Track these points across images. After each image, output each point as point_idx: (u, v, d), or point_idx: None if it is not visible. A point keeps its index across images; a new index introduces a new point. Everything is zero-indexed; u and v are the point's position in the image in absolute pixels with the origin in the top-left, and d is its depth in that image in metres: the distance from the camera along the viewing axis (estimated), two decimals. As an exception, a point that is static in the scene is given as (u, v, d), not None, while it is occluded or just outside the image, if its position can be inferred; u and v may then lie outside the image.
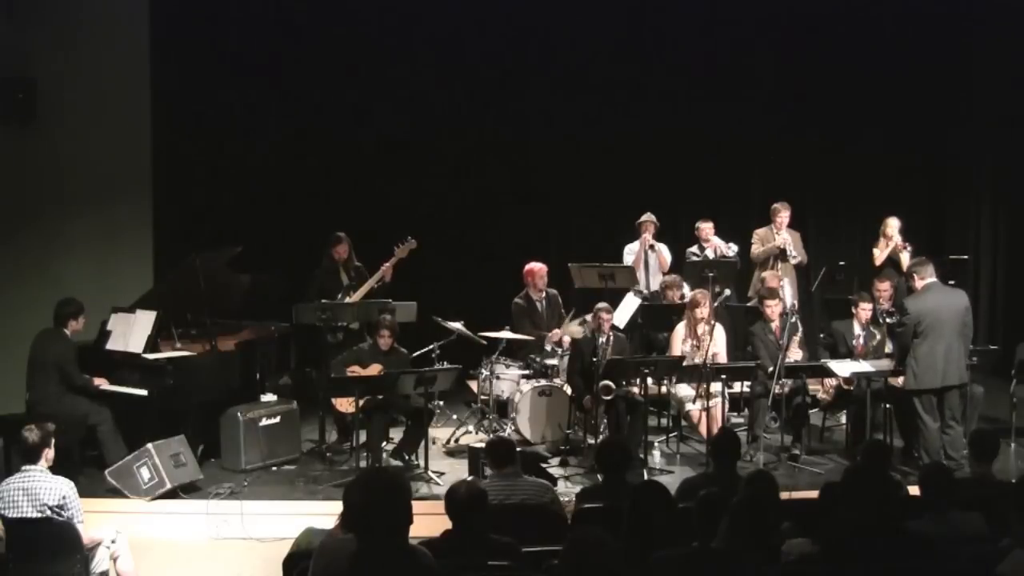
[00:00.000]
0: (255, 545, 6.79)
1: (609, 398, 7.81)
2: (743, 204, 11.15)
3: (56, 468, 5.70)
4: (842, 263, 10.16)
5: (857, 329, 8.27)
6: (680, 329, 8.40)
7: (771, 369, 7.74)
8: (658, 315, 8.91)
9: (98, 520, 6.32)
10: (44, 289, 8.70)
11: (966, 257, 10.71)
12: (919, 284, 7.43)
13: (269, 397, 8.29)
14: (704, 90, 11.20)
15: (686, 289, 9.01)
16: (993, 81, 11.19)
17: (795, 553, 4.28)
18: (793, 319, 8.12)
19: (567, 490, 7.03)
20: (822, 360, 8.21)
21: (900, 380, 7.74)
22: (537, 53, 11.08)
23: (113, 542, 5.79)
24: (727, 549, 3.70)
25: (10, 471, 5.97)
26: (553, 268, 9.31)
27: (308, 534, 5.16)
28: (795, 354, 7.97)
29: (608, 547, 3.27)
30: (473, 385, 9.14)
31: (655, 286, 9.59)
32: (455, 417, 9.07)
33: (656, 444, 8.38)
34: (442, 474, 7.55)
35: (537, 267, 9.18)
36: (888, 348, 8.18)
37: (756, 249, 9.59)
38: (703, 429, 8.01)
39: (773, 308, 8.18)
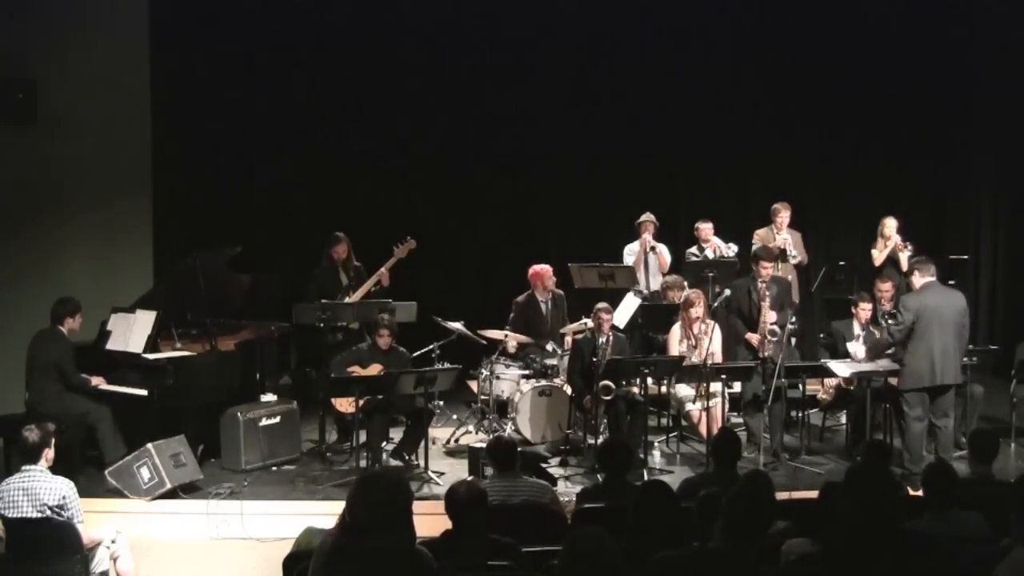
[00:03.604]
0: (255, 545, 6.79)
1: (609, 398, 7.81)
2: (743, 204, 11.15)
3: (56, 468, 5.71)
4: (842, 263, 10.17)
5: (857, 329, 8.26)
6: (676, 330, 8.39)
7: (743, 329, 7.81)
8: (658, 315, 8.91)
9: (98, 520, 6.32)
10: (44, 289, 8.70)
11: (966, 257, 10.71)
12: (918, 282, 7.37)
13: (269, 397, 8.29)
14: (704, 91, 11.19)
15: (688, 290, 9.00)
16: (994, 81, 11.19)
17: (795, 553, 4.28)
18: (793, 319, 8.10)
19: (567, 490, 7.03)
20: (822, 360, 8.20)
21: (859, 350, 7.74)
22: (538, 55, 11.08)
23: (113, 542, 5.79)
24: (726, 549, 3.70)
25: (10, 471, 5.97)
26: (553, 268, 9.31)
27: (308, 534, 5.16)
28: (769, 317, 7.80)
29: (608, 547, 3.26)
30: (473, 385, 9.13)
31: (655, 286, 9.59)
32: (455, 417, 9.07)
33: (656, 444, 8.39)
34: (442, 474, 7.55)
35: (543, 269, 9.17)
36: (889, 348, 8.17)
37: (758, 248, 9.58)
38: (703, 429, 8.01)
39: (766, 269, 7.97)
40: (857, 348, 7.88)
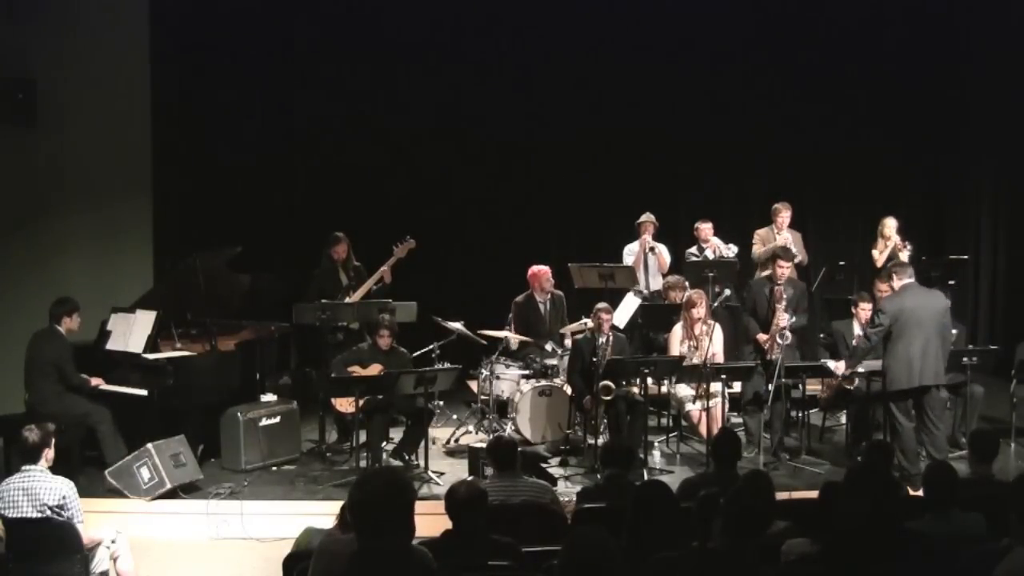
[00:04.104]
0: (255, 545, 6.79)
1: (609, 398, 7.81)
2: (743, 204, 11.15)
3: (56, 468, 5.71)
4: (842, 263, 10.17)
5: (857, 329, 8.25)
6: (677, 330, 8.38)
7: (756, 329, 7.80)
8: (658, 315, 8.91)
9: (98, 520, 6.32)
10: (44, 289, 8.69)
11: (966, 257, 10.70)
12: (897, 284, 7.37)
13: (269, 397, 8.29)
14: (704, 91, 11.20)
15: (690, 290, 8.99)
16: (993, 80, 11.18)
17: (795, 553, 4.28)
18: (794, 320, 8.08)
19: (567, 490, 7.03)
20: (822, 360, 8.20)
21: (840, 366, 7.67)
22: (538, 55, 11.09)
23: (113, 542, 5.80)
24: (725, 549, 3.70)
25: (10, 471, 5.96)
26: (553, 268, 9.31)
27: (308, 534, 5.17)
28: (782, 320, 7.80)
29: (608, 546, 3.26)
30: (473, 385, 9.13)
31: (655, 286, 9.60)
32: (455, 417, 9.07)
33: (656, 444, 8.38)
34: (442, 474, 7.55)
35: (542, 270, 9.16)
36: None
37: (757, 249, 9.57)
38: (703, 429, 8.01)
39: (784, 269, 7.96)
40: (839, 365, 7.82)
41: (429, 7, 10.93)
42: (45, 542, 5.42)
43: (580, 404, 8.09)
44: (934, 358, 7.21)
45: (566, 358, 8.45)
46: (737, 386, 7.96)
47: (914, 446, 7.30)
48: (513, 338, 8.84)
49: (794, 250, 9.45)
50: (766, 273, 8.32)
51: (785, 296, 7.83)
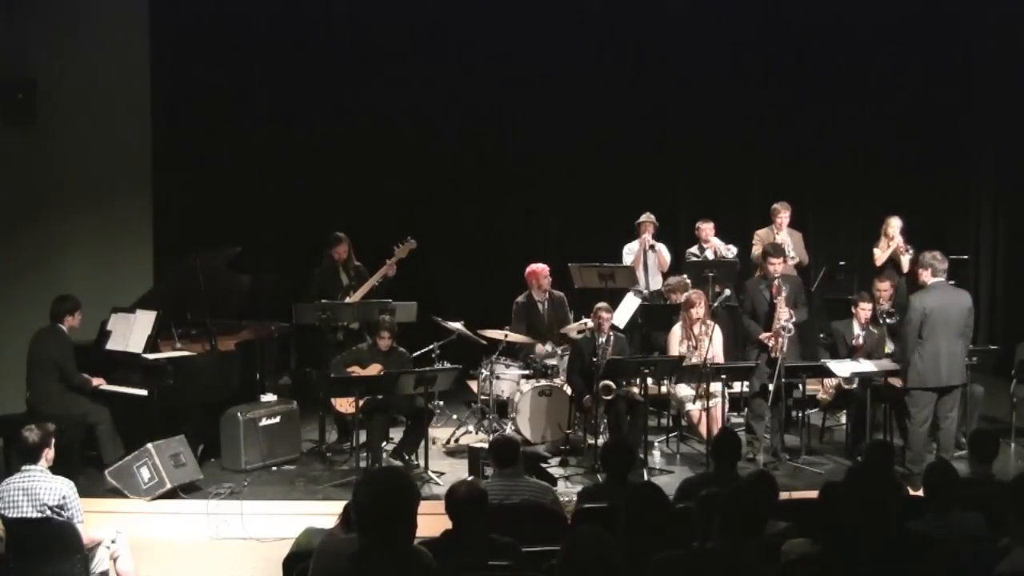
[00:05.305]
0: (255, 545, 6.79)
1: (609, 398, 7.80)
2: (743, 204, 11.14)
3: (56, 468, 5.71)
4: (842, 263, 10.17)
5: (857, 329, 8.25)
6: (676, 330, 8.38)
7: (757, 330, 7.81)
8: (658, 315, 8.91)
9: (98, 520, 6.32)
10: (44, 289, 8.69)
11: (966, 257, 10.70)
12: (928, 279, 7.31)
13: (269, 397, 8.29)
14: (704, 90, 11.19)
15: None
16: (993, 80, 11.18)
17: (795, 553, 4.28)
18: (791, 324, 8.07)
19: (567, 490, 7.03)
20: (822, 360, 8.19)
21: (899, 381, 7.69)
22: (538, 52, 11.07)
23: (113, 542, 5.80)
24: (725, 549, 3.70)
25: (10, 471, 5.97)
26: (553, 268, 9.30)
27: (308, 534, 5.17)
28: (784, 314, 7.77)
29: (608, 547, 3.26)
30: (473, 385, 9.13)
31: (654, 286, 9.60)
32: (455, 417, 9.07)
33: (656, 444, 8.38)
34: (442, 474, 7.55)
35: (539, 268, 9.15)
36: (888, 348, 8.16)
37: (757, 250, 9.56)
38: (703, 429, 8.01)
39: (775, 266, 7.92)
40: (895, 380, 7.77)
41: (429, 7, 10.92)
42: (45, 542, 5.42)
43: (580, 404, 8.09)
44: (959, 358, 7.25)
45: (566, 358, 8.45)
46: (737, 386, 7.94)
47: (921, 447, 7.31)
48: (540, 348, 8.82)
49: (792, 252, 9.44)
50: (760, 273, 8.31)
51: (784, 291, 7.82)
